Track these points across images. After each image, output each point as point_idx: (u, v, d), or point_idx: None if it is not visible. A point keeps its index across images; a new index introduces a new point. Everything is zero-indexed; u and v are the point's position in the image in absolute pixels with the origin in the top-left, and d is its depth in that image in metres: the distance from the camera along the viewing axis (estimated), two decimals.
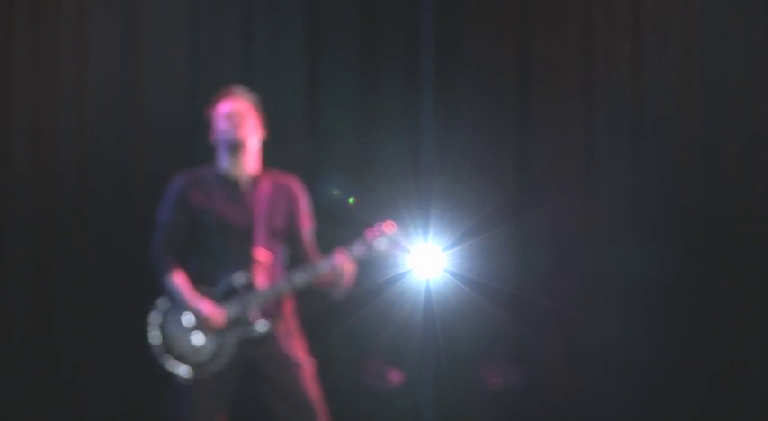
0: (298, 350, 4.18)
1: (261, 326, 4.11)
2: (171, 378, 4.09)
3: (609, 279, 5.45)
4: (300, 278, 4.14)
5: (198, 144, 5.19)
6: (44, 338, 5.18)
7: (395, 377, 5.42)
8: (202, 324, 4.07)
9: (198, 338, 4.08)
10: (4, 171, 5.20)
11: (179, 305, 4.11)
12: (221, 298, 4.11)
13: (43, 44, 5.24)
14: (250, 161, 4.23)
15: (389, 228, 4.20)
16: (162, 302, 4.14)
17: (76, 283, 5.20)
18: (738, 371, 5.43)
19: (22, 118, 5.22)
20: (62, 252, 5.21)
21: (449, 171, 5.36)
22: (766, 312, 5.45)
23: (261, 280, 4.12)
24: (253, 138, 4.23)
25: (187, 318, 4.10)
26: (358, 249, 4.17)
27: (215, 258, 4.14)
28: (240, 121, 4.19)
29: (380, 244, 4.18)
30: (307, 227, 4.31)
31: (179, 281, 4.12)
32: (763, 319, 5.45)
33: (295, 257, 4.27)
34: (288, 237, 4.25)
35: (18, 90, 5.23)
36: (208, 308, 4.08)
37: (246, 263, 4.12)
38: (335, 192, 5.32)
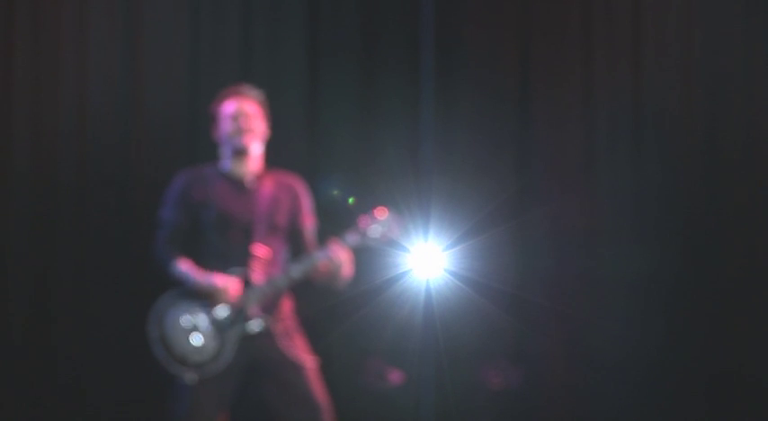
0: (299, 349, 4.17)
1: (259, 322, 4.10)
2: (171, 378, 4.08)
3: (609, 279, 5.45)
4: (296, 270, 4.12)
5: (198, 144, 5.21)
6: (44, 338, 5.17)
7: (395, 377, 5.42)
8: (220, 297, 4.05)
9: (199, 338, 4.07)
10: (4, 171, 5.19)
11: (183, 301, 4.09)
12: None
13: (43, 44, 5.24)
14: (254, 162, 4.23)
15: (381, 213, 4.20)
16: (163, 302, 4.13)
17: (76, 283, 5.20)
18: (738, 371, 5.43)
19: (22, 118, 5.21)
20: (62, 252, 5.21)
21: (449, 171, 5.36)
22: (766, 312, 5.45)
23: (258, 275, 4.12)
24: (258, 141, 4.22)
25: (187, 319, 4.09)
26: (352, 237, 4.16)
27: (213, 254, 4.13)
28: (246, 125, 4.18)
29: (374, 231, 4.17)
30: (309, 225, 4.30)
31: (186, 266, 4.11)
32: (764, 319, 5.45)
33: (298, 256, 4.25)
34: (290, 234, 4.25)
35: (18, 90, 5.22)
36: (221, 280, 4.06)
37: (245, 258, 4.12)
38: (335, 191, 5.32)
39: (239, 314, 4.09)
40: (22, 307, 5.17)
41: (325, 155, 5.41)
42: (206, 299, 4.07)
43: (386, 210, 4.20)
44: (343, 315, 5.10)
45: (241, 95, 4.23)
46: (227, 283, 4.07)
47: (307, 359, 4.16)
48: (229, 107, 4.21)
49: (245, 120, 4.18)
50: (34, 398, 5.14)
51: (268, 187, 4.22)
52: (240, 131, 4.18)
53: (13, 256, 5.18)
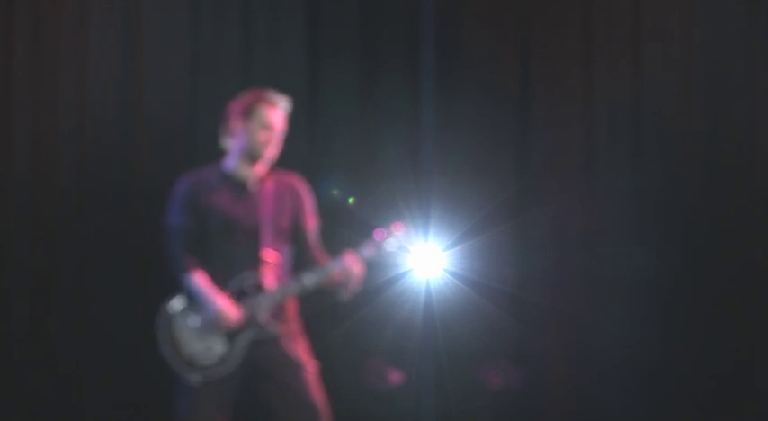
0: (301, 351, 4.15)
1: (271, 327, 4.09)
2: (173, 379, 4.08)
3: (609, 279, 5.45)
4: (310, 279, 4.10)
5: (198, 144, 5.21)
6: (44, 338, 5.17)
7: (395, 377, 5.42)
8: (218, 321, 4.03)
9: (208, 340, 4.06)
10: (4, 171, 5.20)
11: (194, 304, 4.07)
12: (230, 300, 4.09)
13: (43, 44, 5.24)
14: (261, 166, 4.21)
15: (398, 229, 4.18)
16: (172, 303, 4.12)
17: (77, 283, 5.20)
18: (738, 371, 5.44)
19: (22, 118, 5.21)
20: (62, 252, 5.21)
21: (449, 171, 5.36)
22: (766, 312, 5.45)
23: (269, 281, 4.10)
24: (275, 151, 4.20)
25: (198, 320, 4.08)
26: (367, 250, 4.14)
27: (222, 260, 4.09)
28: (274, 139, 4.15)
29: (390, 245, 4.16)
30: (311, 226, 4.27)
31: (200, 279, 4.07)
32: (764, 319, 5.45)
33: (300, 257, 4.23)
34: (293, 236, 4.22)
35: (18, 90, 5.22)
36: (226, 305, 4.04)
37: (254, 263, 4.09)
38: (335, 192, 5.32)
39: (250, 319, 4.08)
40: (22, 307, 5.17)
41: (325, 155, 5.40)
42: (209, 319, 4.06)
43: (402, 225, 4.19)
44: (343, 315, 5.09)
45: (277, 106, 4.17)
46: (230, 312, 4.02)
47: (307, 361, 4.15)
48: (263, 115, 4.15)
49: (276, 134, 4.15)
50: (34, 397, 5.14)
51: (270, 188, 4.18)
52: (267, 143, 4.14)
53: (13, 256, 5.18)
